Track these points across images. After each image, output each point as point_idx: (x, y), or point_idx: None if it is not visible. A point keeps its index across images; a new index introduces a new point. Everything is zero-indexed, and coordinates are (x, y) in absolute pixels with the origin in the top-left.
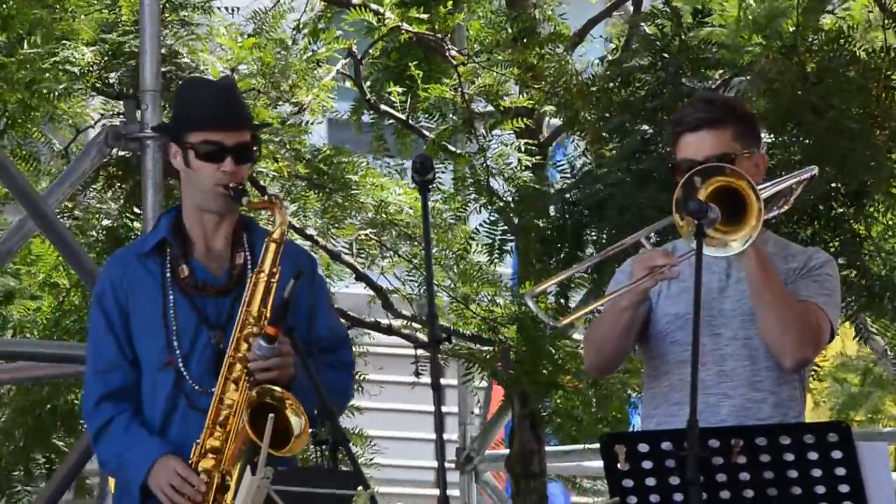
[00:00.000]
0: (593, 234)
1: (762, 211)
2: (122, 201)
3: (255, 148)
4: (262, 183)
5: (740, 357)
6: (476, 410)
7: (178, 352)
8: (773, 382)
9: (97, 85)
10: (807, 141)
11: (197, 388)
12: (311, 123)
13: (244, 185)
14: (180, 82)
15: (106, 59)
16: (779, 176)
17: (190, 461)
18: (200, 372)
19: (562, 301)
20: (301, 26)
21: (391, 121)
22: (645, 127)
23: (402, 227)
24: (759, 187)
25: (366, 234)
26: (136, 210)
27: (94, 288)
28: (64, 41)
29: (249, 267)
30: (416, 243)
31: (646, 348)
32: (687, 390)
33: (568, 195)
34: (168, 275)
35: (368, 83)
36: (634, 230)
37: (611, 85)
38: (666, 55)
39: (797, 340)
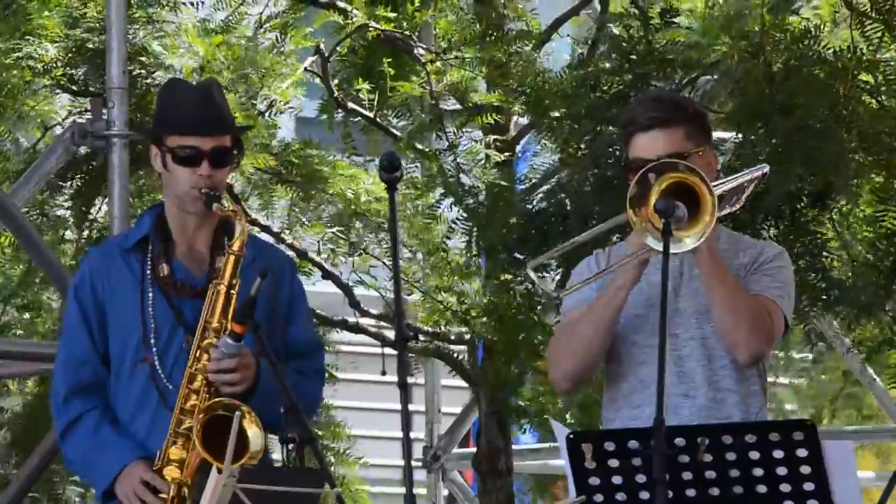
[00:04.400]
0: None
1: (716, 207)
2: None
3: (235, 151)
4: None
5: (699, 357)
6: (443, 409)
7: (154, 349)
8: (732, 380)
9: (62, 82)
10: (773, 140)
11: (170, 386)
12: (278, 115)
13: (220, 190)
14: (147, 81)
15: (70, 55)
16: None
17: (154, 468)
18: (174, 371)
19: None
20: (264, 20)
21: (359, 118)
22: (612, 128)
23: (371, 216)
24: (713, 184)
25: (333, 233)
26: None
27: (73, 279)
28: (27, 36)
29: None
30: (385, 235)
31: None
32: (646, 392)
33: (530, 206)
34: (148, 272)
35: (336, 81)
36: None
37: (581, 90)
38: (633, 57)
39: (750, 334)
